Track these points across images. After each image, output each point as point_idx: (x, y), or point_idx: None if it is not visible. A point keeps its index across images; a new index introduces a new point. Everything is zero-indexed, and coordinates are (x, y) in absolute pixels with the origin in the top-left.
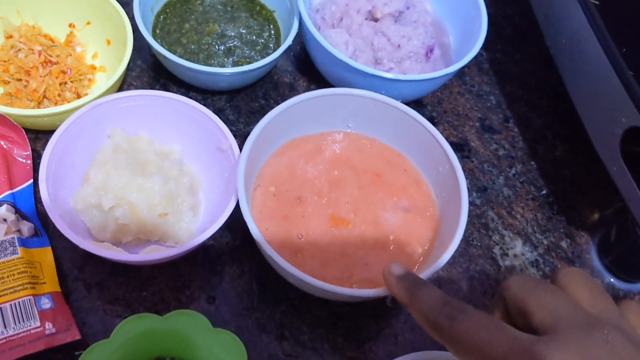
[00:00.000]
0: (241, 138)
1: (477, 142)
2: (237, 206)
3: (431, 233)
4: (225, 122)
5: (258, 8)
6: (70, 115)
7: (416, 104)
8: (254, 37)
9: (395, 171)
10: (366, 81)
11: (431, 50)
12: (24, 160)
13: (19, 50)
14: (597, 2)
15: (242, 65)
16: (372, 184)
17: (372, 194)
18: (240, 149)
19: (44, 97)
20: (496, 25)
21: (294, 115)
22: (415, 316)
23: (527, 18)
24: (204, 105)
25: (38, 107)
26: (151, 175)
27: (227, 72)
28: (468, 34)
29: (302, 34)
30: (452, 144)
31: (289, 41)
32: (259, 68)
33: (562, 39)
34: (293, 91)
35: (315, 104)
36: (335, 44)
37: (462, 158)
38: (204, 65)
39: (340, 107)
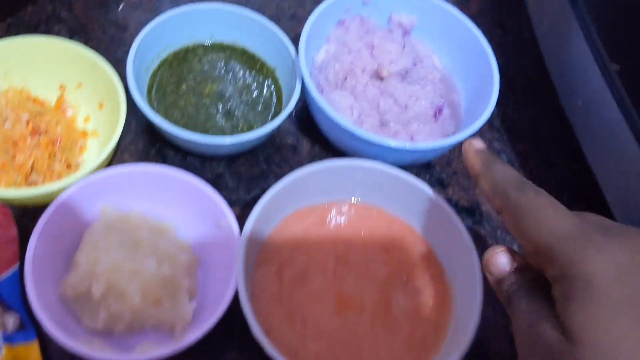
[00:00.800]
0: (241, 206)
1: (489, 207)
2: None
3: (445, 316)
4: (224, 189)
5: (259, 66)
6: (59, 195)
7: (424, 165)
8: (255, 97)
9: (404, 246)
10: (372, 149)
11: (440, 111)
12: (9, 244)
13: (6, 118)
14: (618, 67)
15: (242, 127)
16: (380, 260)
17: (380, 272)
18: (239, 220)
19: (32, 170)
20: (507, 77)
21: (297, 187)
22: (484, 185)
23: (540, 70)
24: (202, 171)
25: (26, 181)
26: (145, 257)
27: (226, 142)
28: (479, 92)
29: (304, 95)
30: (462, 209)
31: (291, 106)
32: (259, 137)
33: (578, 100)
34: (296, 154)
35: (319, 176)
36: (340, 108)
37: (473, 224)
38: (202, 129)
39: (347, 177)
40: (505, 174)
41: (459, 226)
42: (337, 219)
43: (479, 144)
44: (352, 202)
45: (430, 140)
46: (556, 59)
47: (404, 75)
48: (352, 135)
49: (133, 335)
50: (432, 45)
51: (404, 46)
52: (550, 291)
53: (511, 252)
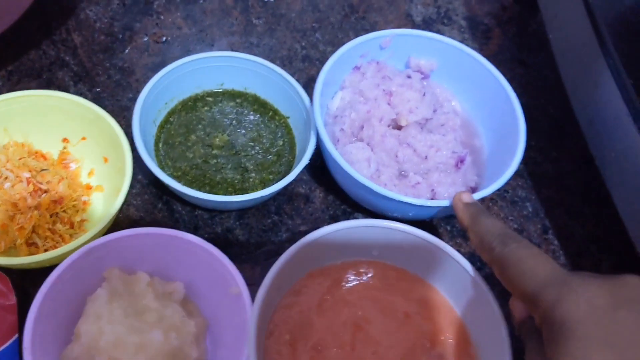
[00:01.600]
0: (252, 263)
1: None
2: None
3: None
4: (234, 244)
5: (271, 113)
6: (61, 258)
7: (446, 217)
8: (267, 146)
9: (428, 310)
10: (392, 204)
11: (462, 161)
12: (8, 313)
13: (6, 178)
14: None
15: (254, 181)
16: (401, 327)
17: (402, 340)
18: (250, 281)
19: (33, 231)
20: (530, 118)
21: (312, 249)
22: (473, 238)
23: (563, 109)
24: (212, 224)
25: (26, 243)
26: (150, 328)
27: (236, 200)
28: (502, 137)
29: (319, 146)
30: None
31: (305, 160)
32: (270, 194)
33: (611, 151)
34: (309, 204)
35: (335, 236)
36: (356, 160)
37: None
38: (212, 182)
39: (365, 236)
40: (489, 228)
41: (486, 293)
42: (354, 280)
43: (467, 197)
44: (370, 261)
45: (452, 191)
46: (584, 104)
47: (423, 123)
48: (369, 190)
49: None
50: (452, 88)
51: (424, 94)
52: None
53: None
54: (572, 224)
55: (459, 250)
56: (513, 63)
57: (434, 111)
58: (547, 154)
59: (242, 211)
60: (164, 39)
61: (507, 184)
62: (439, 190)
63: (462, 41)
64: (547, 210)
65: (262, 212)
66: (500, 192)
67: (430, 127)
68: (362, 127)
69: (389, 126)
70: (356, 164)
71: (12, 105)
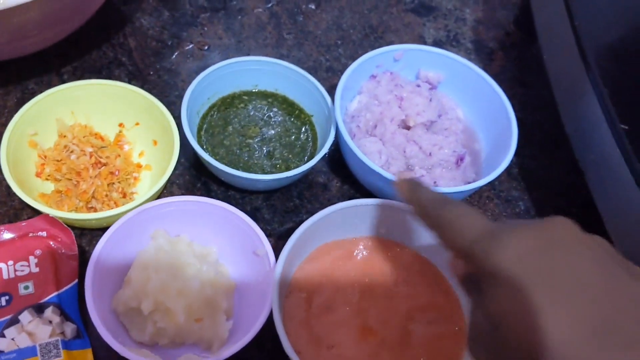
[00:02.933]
0: (275, 237)
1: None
2: (270, 314)
3: (461, 349)
4: (261, 221)
5: (297, 112)
6: (117, 220)
7: None
8: (293, 140)
9: (424, 280)
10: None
11: (461, 159)
12: (70, 261)
13: (72, 151)
14: (626, 128)
15: (280, 166)
16: (401, 293)
17: (400, 305)
18: (275, 250)
19: (93, 197)
20: (526, 130)
21: (327, 222)
22: (414, 209)
23: (556, 125)
24: (242, 203)
25: (86, 206)
26: (190, 279)
27: (265, 178)
28: (498, 142)
29: (338, 140)
30: None
31: (325, 149)
32: (294, 175)
33: (590, 154)
34: (326, 191)
35: (348, 212)
36: (369, 152)
37: None
38: (245, 166)
39: (373, 215)
40: (428, 195)
41: None
42: (363, 253)
43: (405, 174)
44: (377, 238)
45: (452, 184)
46: (571, 117)
47: (429, 125)
48: (380, 177)
49: (174, 350)
50: (456, 98)
51: (431, 100)
52: None
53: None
54: None
55: None
56: (513, 82)
57: (439, 116)
58: (540, 161)
59: (269, 193)
60: (206, 47)
61: (503, 185)
62: (441, 183)
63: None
64: (537, 209)
65: (285, 195)
66: (497, 192)
67: (435, 129)
68: (375, 126)
69: (398, 126)
70: (369, 155)
71: (78, 92)
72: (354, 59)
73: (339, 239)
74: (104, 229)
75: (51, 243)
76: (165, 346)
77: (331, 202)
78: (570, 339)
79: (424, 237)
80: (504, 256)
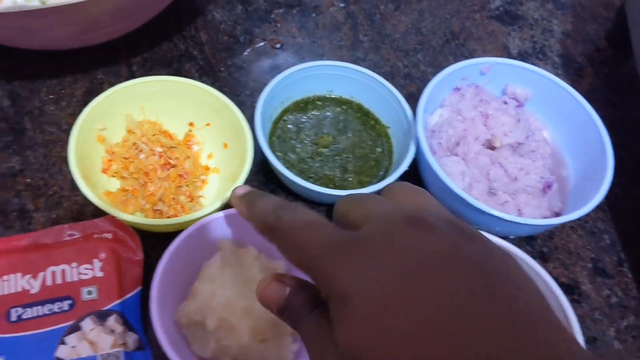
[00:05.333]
0: None
1: (589, 286)
2: None
3: None
4: None
5: (372, 122)
6: (185, 226)
7: (527, 236)
8: (367, 152)
9: None
10: (482, 217)
11: (549, 187)
12: (135, 267)
13: (141, 150)
14: None
15: (352, 180)
16: None
17: None
18: None
19: (160, 199)
20: (615, 156)
21: None
22: (255, 227)
23: None
24: None
25: (152, 209)
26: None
27: (340, 194)
28: (589, 171)
29: (416, 157)
30: (562, 285)
31: (404, 166)
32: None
33: None
34: None
35: None
36: (451, 173)
37: (571, 302)
38: (315, 177)
39: None
40: (264, 206)
41: (564, 304)
42: None
43: (241, 190)
44: None
45: (537, 213)
46: None
47: (515, 147)
48: (462, 201)
49: None
50: (544, 119)
51: (519, 120)
52: None
53: (281, 276)
54: None
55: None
56: (602, 102)
57: (527, 137)
58: (629, 191)
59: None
60: (279, 45)
61: (588, 215)
62: (526, 211)
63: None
64: (624, 243)
65: None
66: (581, 222)
67: (522, 152)
68: (457, 144)
69: (482, 145)
70: (451, 177)
71: (150, 88)
72: (433, 66)
73: None
74: (166, 234)
75: (116, 246)
76: None
77: None
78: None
79: None
80: (352, 278)
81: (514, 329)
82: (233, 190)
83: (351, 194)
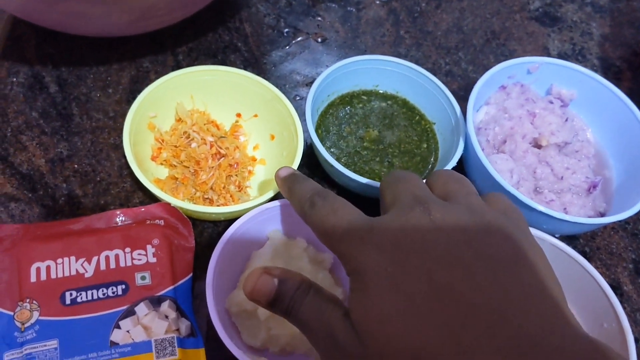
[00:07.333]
0: None
1: (630, 287)
2: None
3: None
4: None
5: (417, 118)
6: (236, 215)
7: (569, 236)
8: (412, 148)
9: None
10: (530, 214)
11: (594, 186)
12: (186, 253)
13: (192, 139)
14: None
15: None
16: None
17: None
18: None
19: (211, 188)
20: None
21: None
22: (294, 208)
23: None
24: None
25: (203, 197)
26: None
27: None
28: (632, 173)
29: (464, 153)
30: None
31: (453, 162)
32: None
33: None
34: None
35: None
36: (500, 170)
37: None
38: (360, 171)
39: None
40: (301, 191)
41: (614, 302)
42: None
43: (284, 171)
44: None
45: (582, 213)
46: None
47: (561, 146)
48: (513, 198)
49: (284, 356)
50: (587, 119)
51: (567, 120)
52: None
53: (267, 269)
54: None
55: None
56: None
57: (572, 137)
58: None
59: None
60: (322, 39)
61: (629, 216)
62: (571, 210)
63: None
64: None
65: None
66: (622, 224)
67: (567, 152)
68: (504, 141)
69: (529, 144)
70: (500, 174)
71: (201, 77)
72: (474, 64)
73: None
74: (215, 222)
75: (169, 233)
76: (274, 353)
77: None
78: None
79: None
80: (368, 256)
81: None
82: (277, 171)
83: (394, 172)
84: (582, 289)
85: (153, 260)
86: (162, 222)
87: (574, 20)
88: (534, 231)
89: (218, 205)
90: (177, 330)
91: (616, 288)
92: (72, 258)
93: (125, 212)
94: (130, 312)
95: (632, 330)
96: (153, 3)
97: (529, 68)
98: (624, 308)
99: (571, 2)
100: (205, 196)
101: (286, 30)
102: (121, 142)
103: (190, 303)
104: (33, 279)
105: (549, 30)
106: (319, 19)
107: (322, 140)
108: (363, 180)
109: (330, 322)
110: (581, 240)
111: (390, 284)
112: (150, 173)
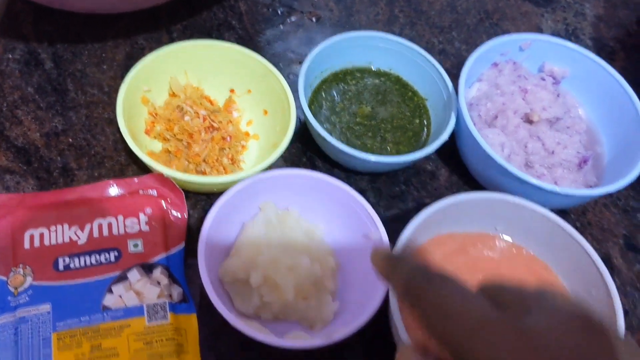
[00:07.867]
0: (380, 222)
1: (620, 261)
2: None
3: None
4: None
5: (410, 94)
6: (228, 186)
7: (560, 211)
8: (404, 123)
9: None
10: (521, 187)
11: (585, 161)
12: (179, 223)
13: (185, 112)
14: None
15: (391, 150)
16: None
17: None
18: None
19: (204, 160)
20: None
21: (443, 214)
22: (395, 286)
23: None
24: (347, 183)
25: (196, 169)
26: (299, 255)
27: (381, 160)
28: (624, 148)
29: (455, 128)
30: None
31: (445, 136)
32: (408, 161)
33: None
34: (434, 180)
35: (465, 206)
36: (491, 144)
37: None
38: (353, 146)
39: (491, 210)
40: (410, 270)
41: (608, 282)
42: (477, 250)
43: (382, 251)
44: (494, 234)
45: (573, 186)
46: None
47: (553, 122)
48: (504, 171)
49: (276, 324)
50: (579, 97)
51: (558, 95)
52: None
53: (422, 345)
54: None
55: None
56: (635, 87)
57: (564, 113)
58: None
59: (374, 176)
60: (316, 18)
61: (621, 192)
62: (562, 184)
63: None
64: None
65: (391, 180)
66: (614, 200)
67: (559, 128)
68: (495, 117)
69: (521, 119)
70: (491, 147)
71: (195, 51)
72: (467, 43)
73: (452, 232)
74: (207, 194)
75: (162, 203)
76: (267, 320)
77: (439, 192)
78: None
79: (545, 240)
80: None
81: None
82: (373, 249)
83: (497, 281)
84: (571, 258)
85: (146, 228)
86: (155, 192)
87: (568, 1)
88: (525, 202)
89: None
90: (170, 296)
91: (606, 261)
92: (66, 226)
93: (119, 183)
94: (122, 278)
95: (623, 303)
96: None
97: (521, 45)
98: (614, 281)
99: None
100: (198, 169)
101: (280, 9)
102: (116, 117)
103: (182, 271)
104: (27, 245)
105: (543, 11)
106: None
107: (315, 116)
108: (356, 152)
109: None
110: (572, 215)
111: None
112: (144, 146)
